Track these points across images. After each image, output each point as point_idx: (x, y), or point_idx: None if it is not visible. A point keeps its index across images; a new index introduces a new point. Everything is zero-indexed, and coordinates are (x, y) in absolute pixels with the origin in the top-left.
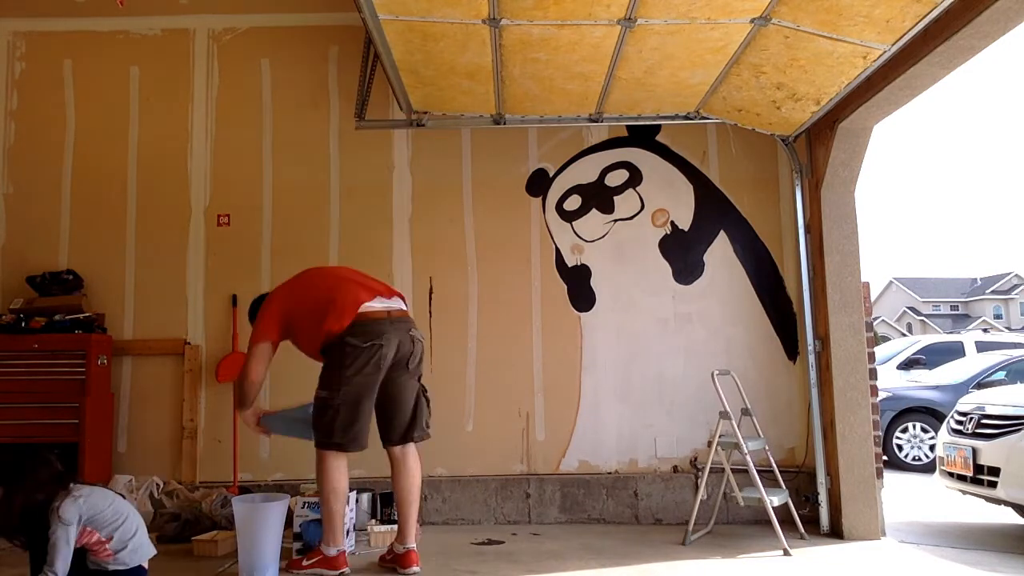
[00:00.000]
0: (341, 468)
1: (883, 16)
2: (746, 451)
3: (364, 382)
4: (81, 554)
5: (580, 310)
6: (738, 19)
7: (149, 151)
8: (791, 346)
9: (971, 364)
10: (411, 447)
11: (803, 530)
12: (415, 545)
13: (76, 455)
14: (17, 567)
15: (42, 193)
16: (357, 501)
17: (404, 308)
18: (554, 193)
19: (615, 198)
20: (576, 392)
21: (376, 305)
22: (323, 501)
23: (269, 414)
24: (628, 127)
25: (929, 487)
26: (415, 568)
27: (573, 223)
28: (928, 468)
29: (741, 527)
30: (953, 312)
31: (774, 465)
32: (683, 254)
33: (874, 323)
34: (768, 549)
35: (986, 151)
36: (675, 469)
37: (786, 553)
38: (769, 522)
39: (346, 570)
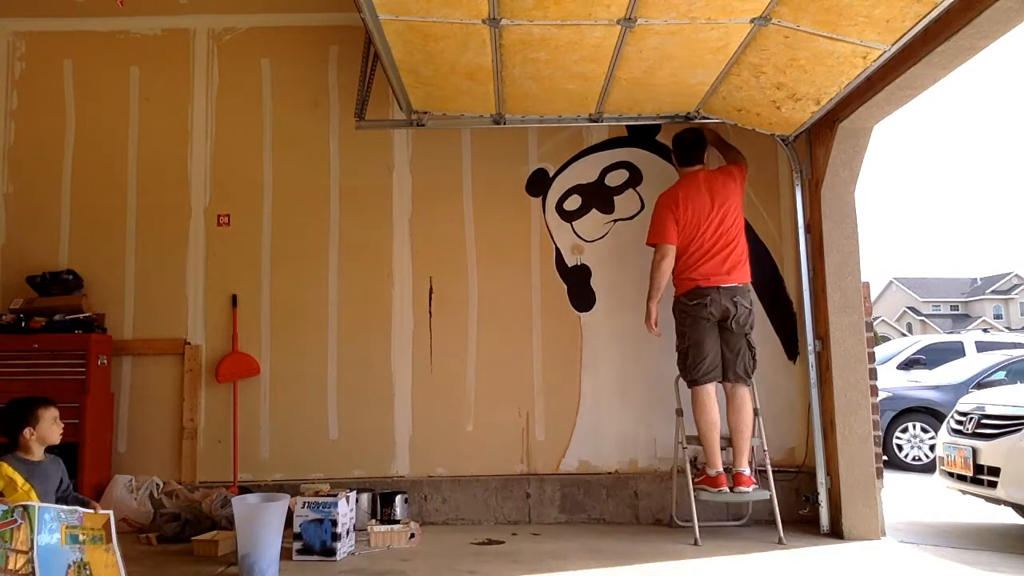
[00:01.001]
0: None
1: (883, 16)
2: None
3: None
4: None
5: (580, 310)
6: (738, 19)
7: (149, 151)
8: (791, 346)
9: (971, 364)
10: None
11: (782, 534)
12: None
13: (76, 455)
14: None
15: (42, 193)
16: (357, 501)
17: None
18: (554, 193)
19: (615, 198)
20: (576, 392)
21: None
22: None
23: None
24: (628, 127)
25: (929, 487)
26: (745, 488)
27: (573, 223)
28: (928, 468)
29: (743, 527)
30: (953, 312)
31: (768, 464)
32: None
33: (874, 323)
34: (768, 549)
35: (986, 151)
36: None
37: (780, 542)
38: (771, 522)
39: (724, 488)
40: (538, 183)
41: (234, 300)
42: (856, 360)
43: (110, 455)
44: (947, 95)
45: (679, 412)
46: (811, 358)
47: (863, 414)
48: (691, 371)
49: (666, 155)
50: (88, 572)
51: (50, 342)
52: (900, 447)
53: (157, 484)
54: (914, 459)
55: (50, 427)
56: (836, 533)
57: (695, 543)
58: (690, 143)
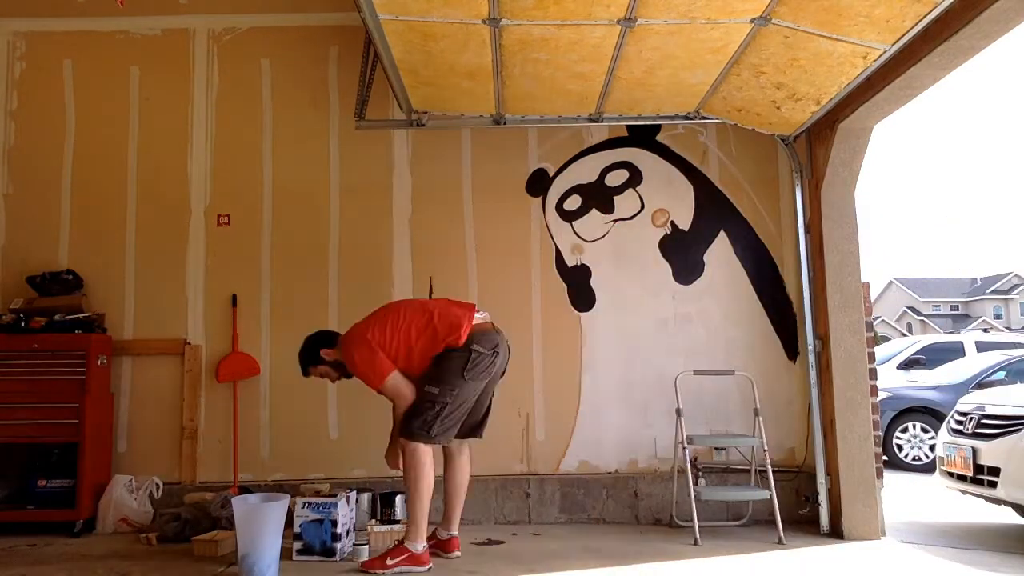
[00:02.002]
0: (429, 461)
1: (883, 16)
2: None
3: (477, 385)
4: None
5: (580, 310)
6: (738, 19)
7: (149, 151)
8: (791, 346)
9: (971, 364)
10: (466, 445)
11: (782, 534)
12: (457, 532)
13: (76, 455)
14: (16, 567)
15: (42, 193)
16: (357, 501)
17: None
18: (554, 193)
19: (615, 198)
20: (576, 392)
21: (480, 317)
22: (410, 491)
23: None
24: (628, 127)
25: (929, 487)
26: (457, 553)
27: (573, 223)
28: (928, 468)
29: (743, 527)
30: (953, 312)
31: (768, 464)
32: (683, 254)
33: (874, 323)
34: (768, 549)
35: (986, 151)
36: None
37: (780, 542)
38: (771, 522)
39: (430, 566)
40: (538, 183)
41: (234, 300)
42: (856, 360)
43: (110, 455)
44: (947, 95)
45: (679, 412)
46: (811, 358)
47: (863, 414)
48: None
49: (666, 155)
50: None
51: (50, 342)
52: (900, 447)
53: (157, 484)
54: (914, 459)
55: None
56: (836, 533)
57: (695, 543)
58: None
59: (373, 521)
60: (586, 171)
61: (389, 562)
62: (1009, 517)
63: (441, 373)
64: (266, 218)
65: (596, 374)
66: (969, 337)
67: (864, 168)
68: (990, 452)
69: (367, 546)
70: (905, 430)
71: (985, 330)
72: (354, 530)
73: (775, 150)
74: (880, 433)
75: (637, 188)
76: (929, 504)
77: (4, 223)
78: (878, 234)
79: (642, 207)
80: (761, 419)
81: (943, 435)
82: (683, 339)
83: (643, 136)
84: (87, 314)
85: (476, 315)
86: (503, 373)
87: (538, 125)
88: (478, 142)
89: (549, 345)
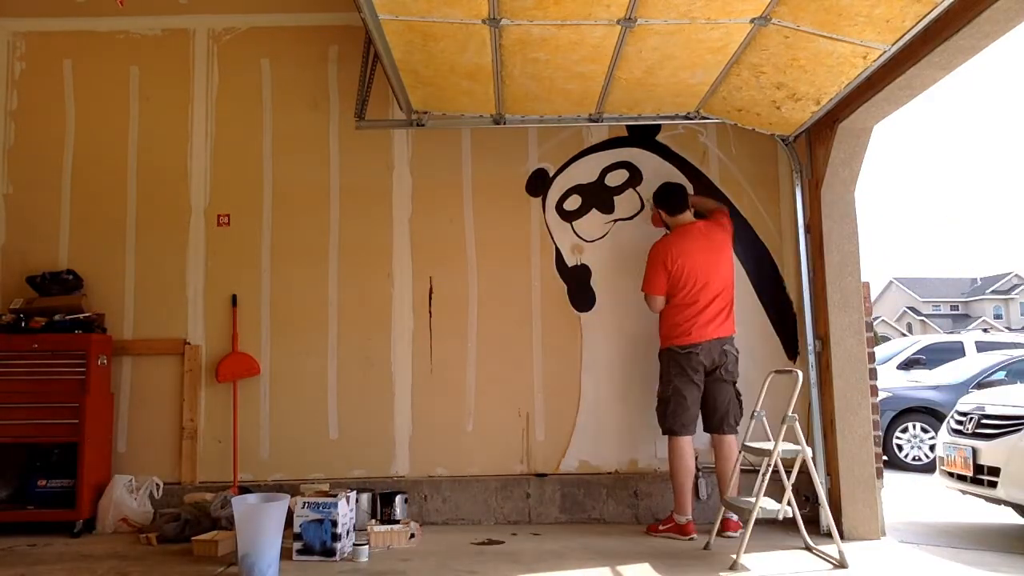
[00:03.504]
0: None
1: (883, 16)
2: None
3: None
4: None
5: (580, 310)
6: (738, 19)
7: (149, 151)
8: (791, 346)
9: (971, 364)
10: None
11: (808, 539)
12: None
13: (76, 455)
14: (16, 567)
15: (42, 193)
16: (357, 501)
17: None
18: (554, 193)
19: (615, 198)
20: (576, 392)
21: None
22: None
23: None
24: (628, 127)
25: (929, 487)
26: (732, 533)
27: (573, 223)
28: (928, 468)
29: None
30: (953, 312)
31: (781, 471)
32: None
33: (874, 323)
34: (769, 549)
35: (986, 151)
36: None
37: (808, 548)
38: (771, 522)
39: (694, 536)
40: (538, 183)
41: (234, 300)
42: (856, 360)
43: (110, 455)
44: (948, 95)
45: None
46: (811, 358)
47: (863, 414)
48: (670, 420)
49: (666, 155)
50: None
51: (50, 342)
52: (900, 447)
53: (157, 484)
54: (914, 459)
55: None
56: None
57: (706, 547)
58: (676, 191)
59: (373, 521)
60: (586, 171)
61: (661, 527)
62: (1009, 517)
63: None
64: (266, 218)
65: (596, 374)
66: (969, 337)
67: (864, 168)
68: (990, 452)
69: (367, 546)
70: (905, 430)
71: (985, 330)
72: (354, 530)
73: (775, 150)
74: (880, 433)
75: (637, 188)
76: (929, 504)
77: (4, 223)
78: (878, 234)
79: (642, 207)
80: (766, 421)
81: (943, 435)
82: None
83: (643, 136)
84: (87, 314)
85: None
86: None
87: (538, 125)
88: (478, 142)
89: (549, 345)
